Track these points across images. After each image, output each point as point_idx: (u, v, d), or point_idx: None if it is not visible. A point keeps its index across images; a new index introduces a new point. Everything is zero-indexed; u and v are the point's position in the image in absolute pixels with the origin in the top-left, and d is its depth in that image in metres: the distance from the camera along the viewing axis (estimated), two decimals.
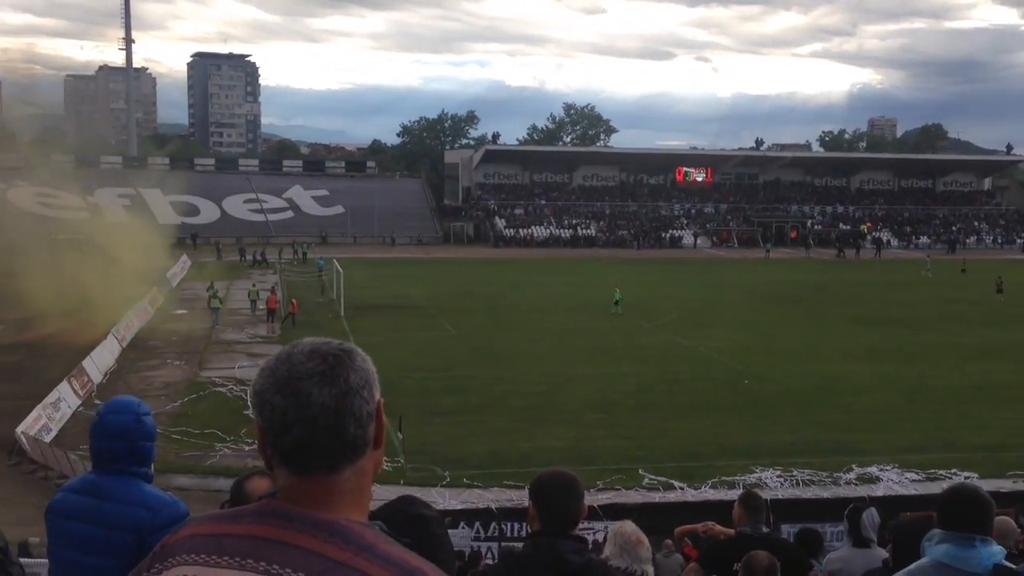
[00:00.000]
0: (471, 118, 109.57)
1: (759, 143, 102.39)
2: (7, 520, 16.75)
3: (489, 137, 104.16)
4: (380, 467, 1.65)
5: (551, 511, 3.34)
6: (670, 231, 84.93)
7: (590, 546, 3.51)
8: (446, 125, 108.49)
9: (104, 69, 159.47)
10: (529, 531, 3.56)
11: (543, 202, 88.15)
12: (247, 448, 20.61)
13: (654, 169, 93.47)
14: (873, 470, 20.16)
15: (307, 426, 1.50)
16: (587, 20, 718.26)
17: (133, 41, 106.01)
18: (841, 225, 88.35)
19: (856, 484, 19.43)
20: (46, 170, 62.59)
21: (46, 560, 3.55)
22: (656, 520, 12.32)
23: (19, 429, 21.03)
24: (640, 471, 19.89)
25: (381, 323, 38.20)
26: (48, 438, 21.59)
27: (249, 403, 1.53)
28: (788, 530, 12.96)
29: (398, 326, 37.56)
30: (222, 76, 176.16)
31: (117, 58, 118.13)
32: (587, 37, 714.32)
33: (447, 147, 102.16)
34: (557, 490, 3.37)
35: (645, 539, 4.11)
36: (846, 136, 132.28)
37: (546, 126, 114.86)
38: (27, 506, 17.04)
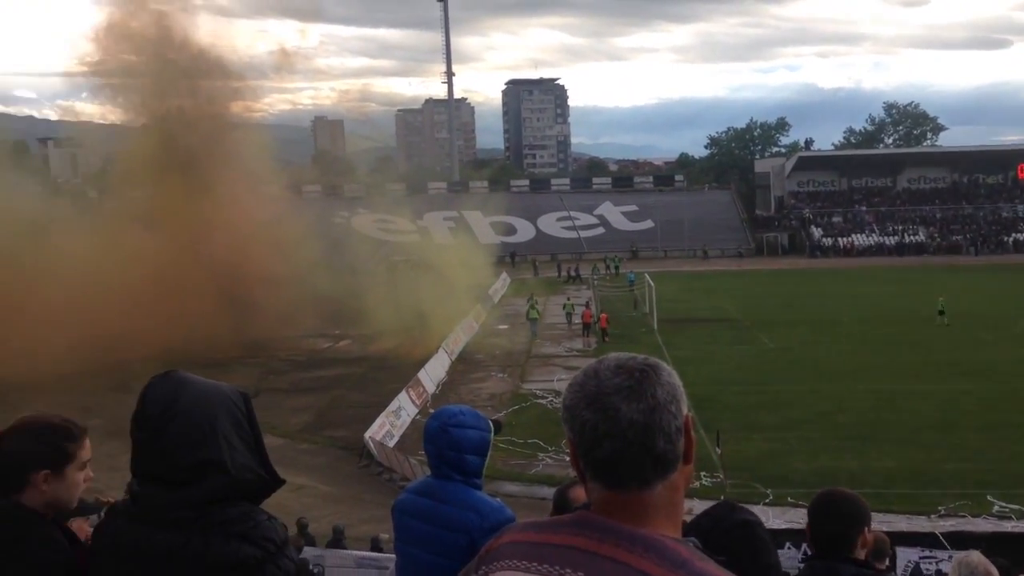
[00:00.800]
0: (782, 125, 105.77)
1: None
2: (360, 517, 18.46)
3: (801, 144, 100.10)
4: (690, 482, 1.64)
5: (817, 532, 3.24)
6: (1013, 235, 76.69)
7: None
8: (755, 134, 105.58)
9: (429, 102, 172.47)
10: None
11: (863, 208, 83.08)
12: (567, 458, 21.15)
13: (991, 167, 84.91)
14: None
15: (617, 441, 1.52)
16: (907, 13, 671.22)
17: (453, 74, 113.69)
18: None
19: None
20: (383, 198, 68.68)
21: (393, 555, 3.86)
22: (1009, 552, 11.09)
23: (367, 434, 23.08)
24: (989, 497, 18.06)
25: (695, 337, 37.83)
26: (391, 443, 23.49)
27: (560, 417, 1.60)
28: None
29: (712, 339, 37.00)
30: (533, 100, 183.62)
31: (440, 91, 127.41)
32: (907, 30, 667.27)
33: (757, 156, 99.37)
34: (820, 511, 3.26)
35: (995, 571, 3.73)
36: None
37: (864, 128, 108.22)
38: (376, 505, 18.65)
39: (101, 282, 32.42)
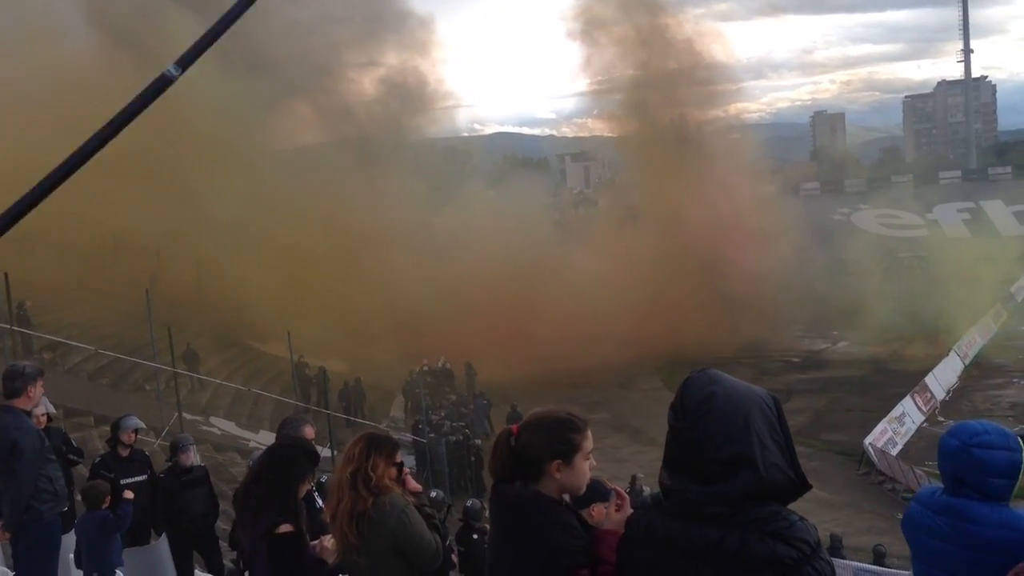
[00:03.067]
0: None
1: None
2: (859, 526, 17.78)
3: None
4: None
5: None
6: None
7: None
8: None
9: (942, 84, 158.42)
10: None
11: None
12: None
13: None
14: None
15: None
16: None
17: (972, 51, 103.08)
18: None
19: None
20: (887, 191, 64.90)
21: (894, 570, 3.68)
22: None
23: (867, 440, 22.06)
24: None
25: None
26: (894, 451, 22.22)
27: None
28: None
29: None
30: None
31: (955, 72, 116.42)
32: None
33: None
34: None
35: None
36: None
37: None
38: (876, 515, 17.83)
39: (602, 285, 34.91)
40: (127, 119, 2.18)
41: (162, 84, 2.19)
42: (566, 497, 2.71)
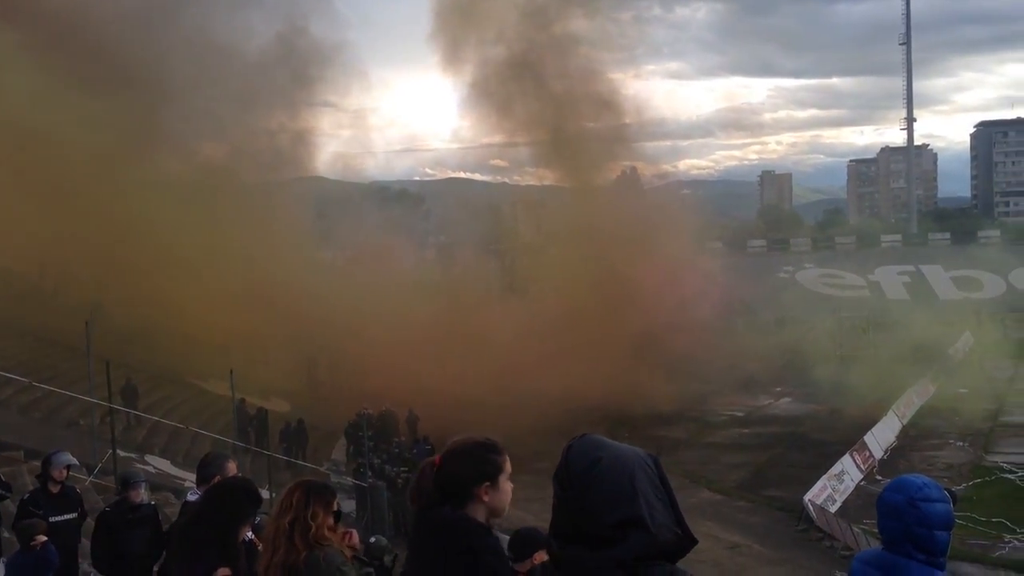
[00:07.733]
0: None
1: None
2: None
3: None
4: None
5: None
6: None
7: None
8: None
9: (885, 150, 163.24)
10: None
11: None
12: None
13: None
14: None
15: None
16: None
17: (915, 120, 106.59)
18: None
19: None
20: (830, 252, 66.48)
21: None
22: None
23: (807, 497, 22.22)
24: None
25: None
26: (833, 508, 22.39)
27: None
28: None
29: None
30: (1009, 143, 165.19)
31: (897, 139, 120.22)
32: None
33: None
34: None
35: None
36: None
37: None
38: (814, 572, 17.92)
39: (542, 338, 34.80)
40: None
41: None
42: (504, 543, 2.70)
